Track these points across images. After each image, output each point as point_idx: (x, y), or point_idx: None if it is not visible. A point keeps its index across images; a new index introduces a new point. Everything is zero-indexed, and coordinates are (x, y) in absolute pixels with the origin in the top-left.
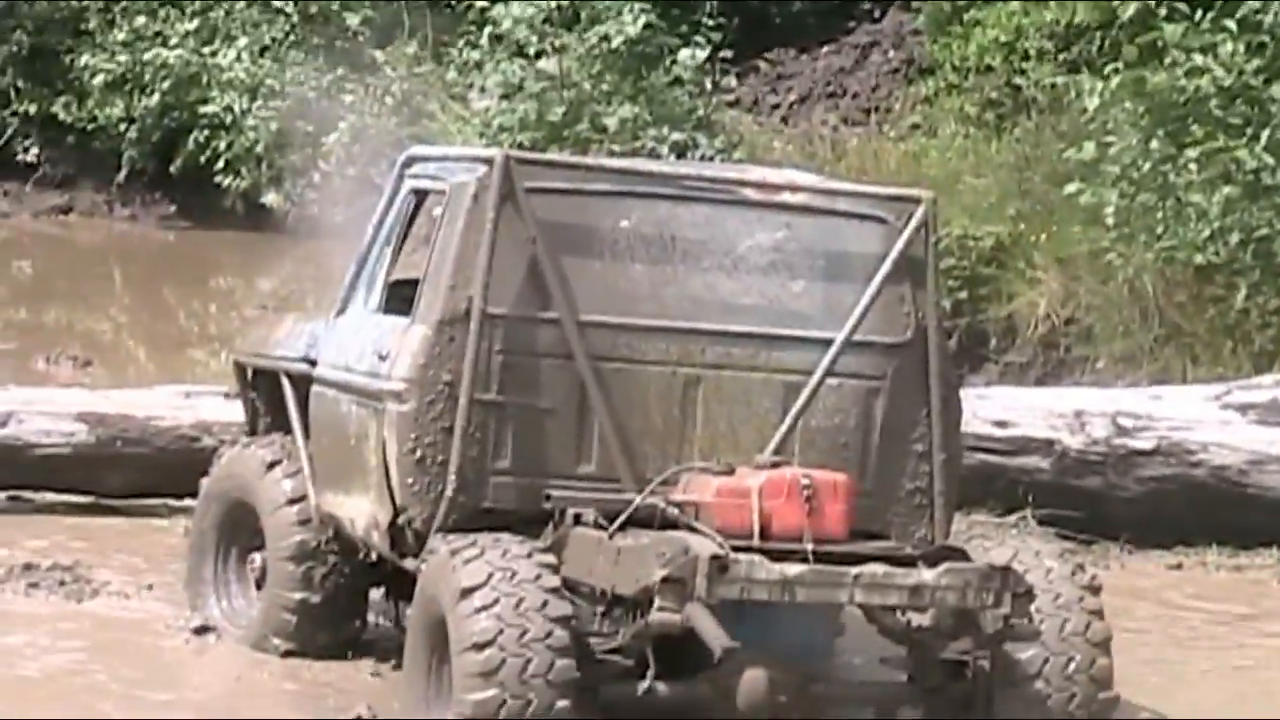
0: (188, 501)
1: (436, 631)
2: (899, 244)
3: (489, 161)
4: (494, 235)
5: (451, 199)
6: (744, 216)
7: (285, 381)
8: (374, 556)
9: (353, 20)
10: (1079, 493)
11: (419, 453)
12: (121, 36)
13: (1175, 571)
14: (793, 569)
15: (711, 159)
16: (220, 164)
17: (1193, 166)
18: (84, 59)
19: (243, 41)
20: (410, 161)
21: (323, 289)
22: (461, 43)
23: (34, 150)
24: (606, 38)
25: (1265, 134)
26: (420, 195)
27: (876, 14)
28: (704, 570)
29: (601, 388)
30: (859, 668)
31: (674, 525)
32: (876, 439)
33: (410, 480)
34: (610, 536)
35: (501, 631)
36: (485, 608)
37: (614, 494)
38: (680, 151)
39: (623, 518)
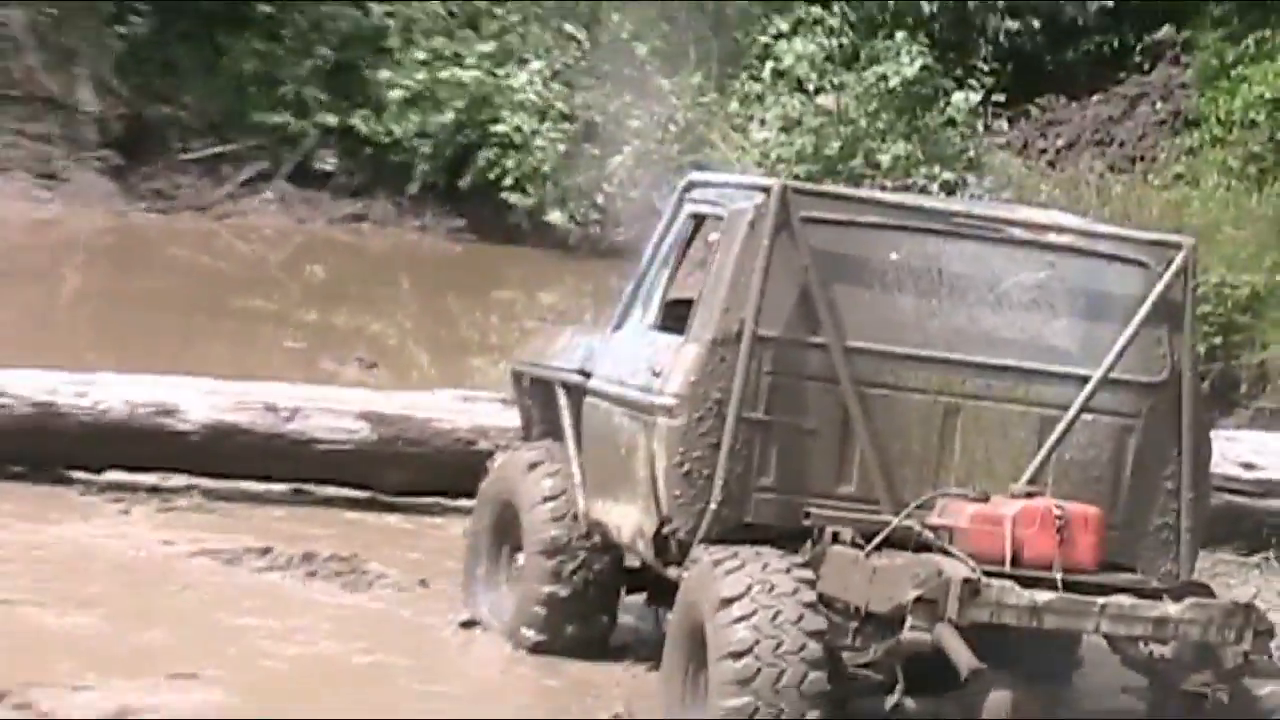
0: (462, 501)
1: (695, 638)
2: (1158, 287)
3: (767, 190)
4: (768, 261)
5: (729, 224)
6: (1009, 254)
7: (560, 391)
8: (636, 562)
9: (641, 50)
10: None
11: (686, 466)
12: (420, 55)
13: None
14: (1042, 596)
15: (980, 198)
16: (508, 181)
17: None
18: (383, 75)
19: (535, 65)
20: (690, 186)
21: (601, 305)
22: (744, 76)
23: (332, 160)
24: (884, 77)
25: None
26: (699, 219)
27: (1146, 67)
28: (956, 592)
29: (864, 412)
30: (1099, 695)
31: (928, 548)
32: (1128, 475)
33: (677, 492)
34: (866, 555)
35: (758, 642)
36: (744, 618)
37: (871, 515)
38: (950, 190)
39: (880, 538)
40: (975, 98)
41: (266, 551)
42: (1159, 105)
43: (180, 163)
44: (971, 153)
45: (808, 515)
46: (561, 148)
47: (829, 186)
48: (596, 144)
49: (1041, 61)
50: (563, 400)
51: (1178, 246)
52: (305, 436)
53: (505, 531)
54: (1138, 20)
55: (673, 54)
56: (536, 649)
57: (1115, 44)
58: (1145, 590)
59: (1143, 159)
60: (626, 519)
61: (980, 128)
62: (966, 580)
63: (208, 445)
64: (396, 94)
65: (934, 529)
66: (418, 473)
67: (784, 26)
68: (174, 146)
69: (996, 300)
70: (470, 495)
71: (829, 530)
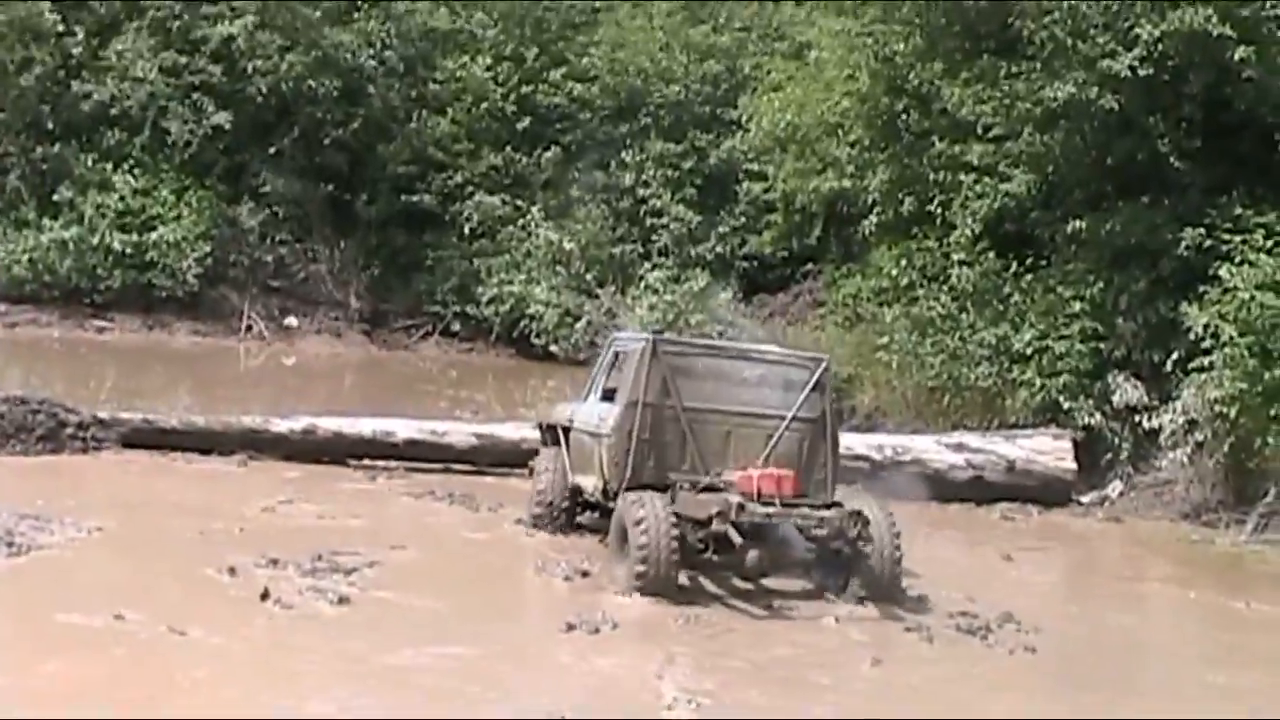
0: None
1: (622, 535)
2: (815, 376)
3: (647, 339)
4: (649, 369)
5: (630, 354)
6: (750, 364)
7: (560, 430)
8: (593, 500)
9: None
10: None
11: (616, 459)
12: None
13: None
14: (769, 509)
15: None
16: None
17: None
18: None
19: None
20: (615, 341)
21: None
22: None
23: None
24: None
25: None
26: (619, 354)
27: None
28: (733, 508)
29: (692, 433)
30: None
31: (721, 490)
32: (805, 456)
33: (612, 471)
34: (696, 493)
35: (648, 537)
36: (643, 526)
37: (696, 479)
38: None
39: (700, 486)
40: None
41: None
42: (810, 296)
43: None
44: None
45: (668, 479)
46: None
47: (671, 336)
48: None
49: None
50: (560, 434)
51: (822, 359)
52: (449, 444)
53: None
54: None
55: None
56: (548, 531)
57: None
58: (816, 505)
59: (804, 320)
60: (589, 482)
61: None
62: (739, 504)
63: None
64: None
65: (725, 484)
66: (501, 458)
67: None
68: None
69: (744, 384)
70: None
71: (678, 484)
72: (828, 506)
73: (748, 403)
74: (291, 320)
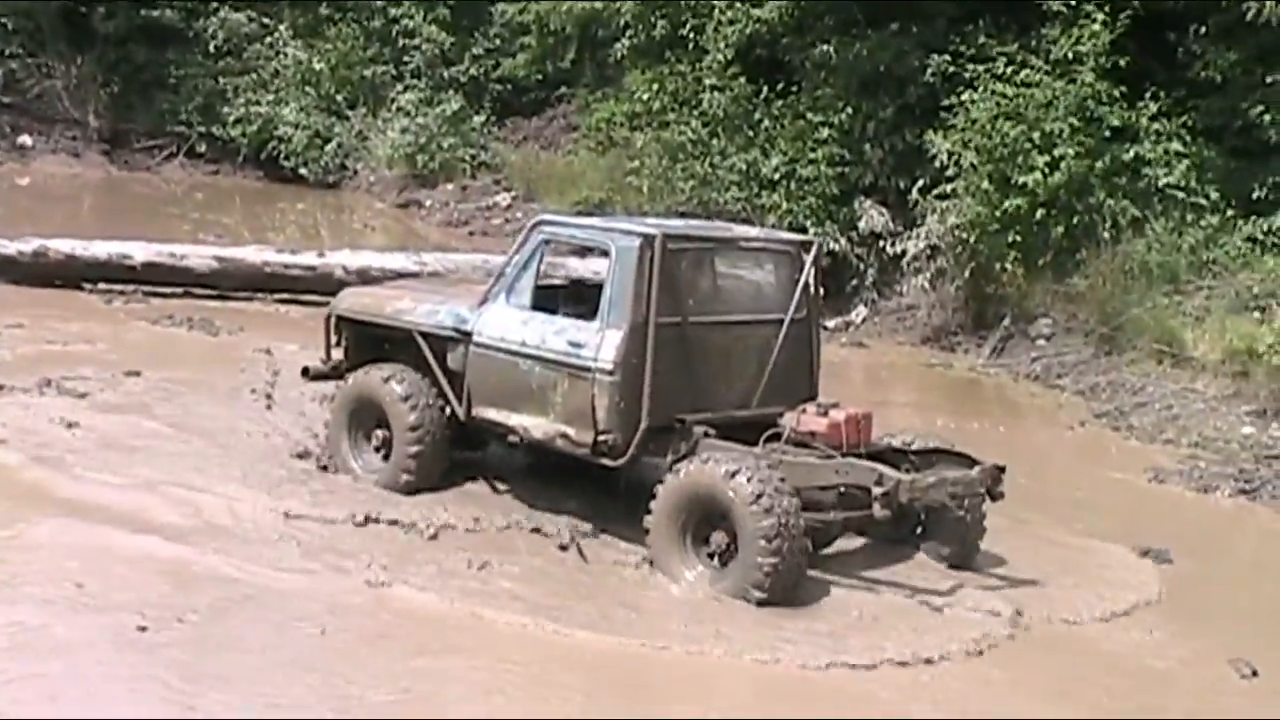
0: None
1: (700, 498)
2: (807, 268)
3: (648, 235)
4: (658, 278)
5: (622, 254)
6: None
7: (418, 337)
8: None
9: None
10: None
11: (622, 402)
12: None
13: None
14: (931, 480)
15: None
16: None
17: None
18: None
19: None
20: (541, 224)
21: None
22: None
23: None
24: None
25: None
26: (547, 243)
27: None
28: (899, 487)
29: (698, 356)
30: None
31: (806, 445)
32: (794, 364)
33: (615, 417)
34: (781, 450)
35: (779, 528)
36: (772, 514)
37: (711, 414)
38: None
39: (769, 435)
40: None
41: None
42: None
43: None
44: None
45: (681, 421)
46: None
47: (689, 226)
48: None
49: None
50: (422, 343)
51: (811, 241)
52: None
53: (364, 418)
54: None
55: None
56: (406, 486)
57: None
58: (922, 454)
59: (558, 145)
60: (536, 424)
61: None
62: (898, 481)
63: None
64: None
65: (802, 432)
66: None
67: None
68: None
69: (737, 282)
70: None
71: (696, 428)
72: (937, 454)
73: (742, 307)
74: (25, 139)
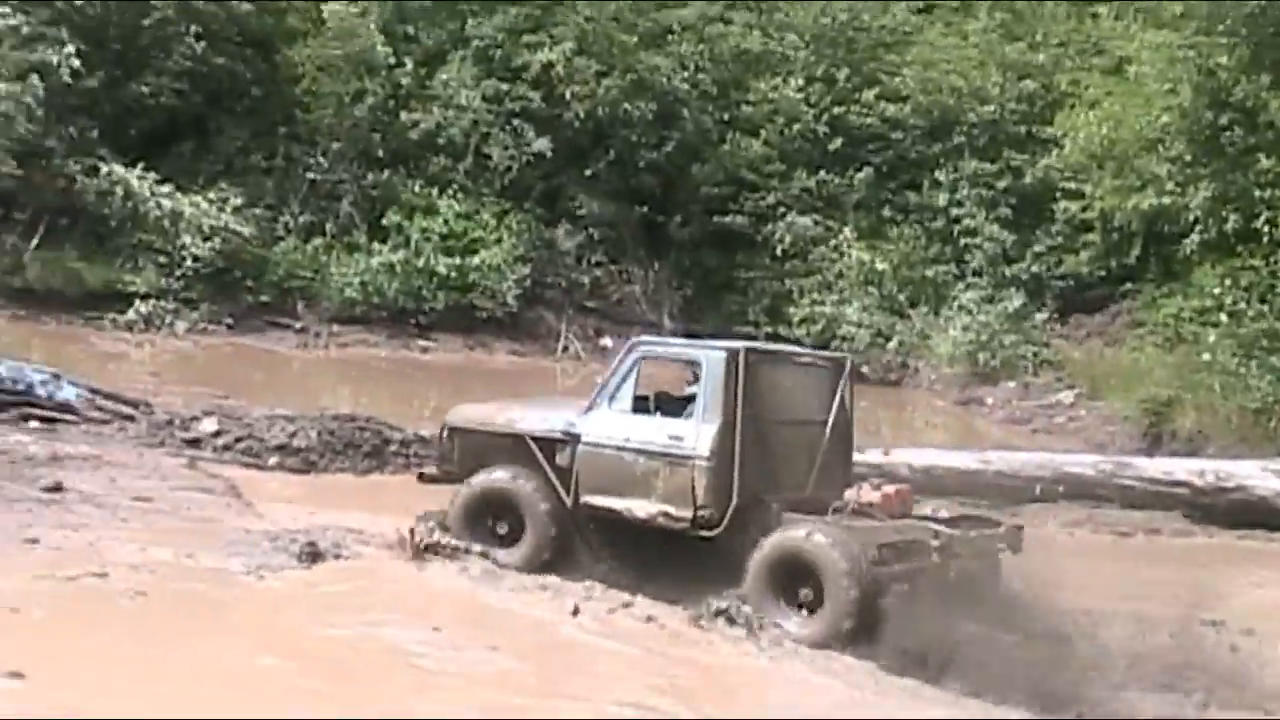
0: None
1: (786, 560)
2: (843, 379)
3: (733, 349)
4: (741, 383)
5: (711, 364)
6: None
7: (530, 441)
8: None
9: None
10: None
11: (717, 483)
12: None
13: None
14: (971, 534)
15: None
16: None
17: None
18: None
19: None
20: (638, 345)
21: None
22: None
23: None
24: None
25: None
26: (642, 359)
27: None
28: (947, 541)
29: (773, 448)
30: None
31: (868, 515)
32: (835, 460)
33: (711, 496)
34: (852, 522)
35: (861, 590)
36: (852, 575)
37: (789, 496)
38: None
39: (835, 508)
40: None
41: None
42: (1129, 316)
43: None
44: None
45: (762, 500)
46: None
47: (759, 345)
48: None
49: None
50: (534, 447)
51: (845, 359)
52: None
53: (493, 510)
54: None
55: None
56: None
57: None
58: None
59: (1122, 341)
60: (640, 505)
61: None
62: (950, 536)
63: None
64: None
65: (860, 506)
66: None
67: None
68: None
69: (793, 390)
70: None
71: (832, 509)
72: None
73: (796, 411)
74: (607, 340)
